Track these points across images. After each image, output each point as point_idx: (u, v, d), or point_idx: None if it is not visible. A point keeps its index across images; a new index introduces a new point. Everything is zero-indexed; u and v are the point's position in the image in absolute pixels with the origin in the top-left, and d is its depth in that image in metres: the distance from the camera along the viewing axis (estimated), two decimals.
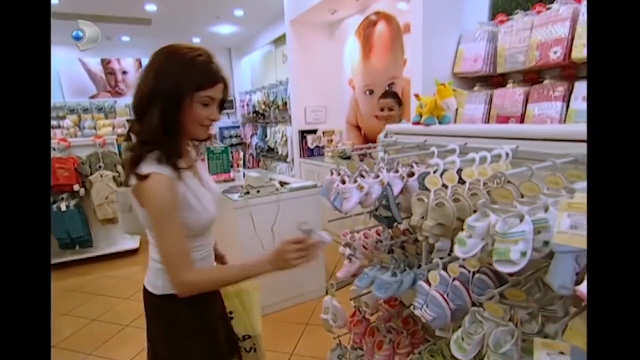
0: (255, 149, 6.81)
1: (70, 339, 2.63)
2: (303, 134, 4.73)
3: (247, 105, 7.06)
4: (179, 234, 0.97)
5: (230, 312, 1.31)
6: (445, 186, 0.91)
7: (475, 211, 0.80)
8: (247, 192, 2.77)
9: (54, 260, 3.62)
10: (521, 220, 0.69)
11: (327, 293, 1.40)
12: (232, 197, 2.70)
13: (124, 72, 7.18)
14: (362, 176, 1.18)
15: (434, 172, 0.92)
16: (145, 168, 0.95)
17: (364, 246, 1.44)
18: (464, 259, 0.87)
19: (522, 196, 0.81)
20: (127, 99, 7.14)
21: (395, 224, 1.10)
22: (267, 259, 1.03)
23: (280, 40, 5.75)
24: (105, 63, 7.02)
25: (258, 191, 2.82)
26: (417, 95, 1.40)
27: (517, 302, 0.85)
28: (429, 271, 0.99)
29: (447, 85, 1.26)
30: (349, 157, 2.04)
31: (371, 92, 4.14)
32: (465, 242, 0.75)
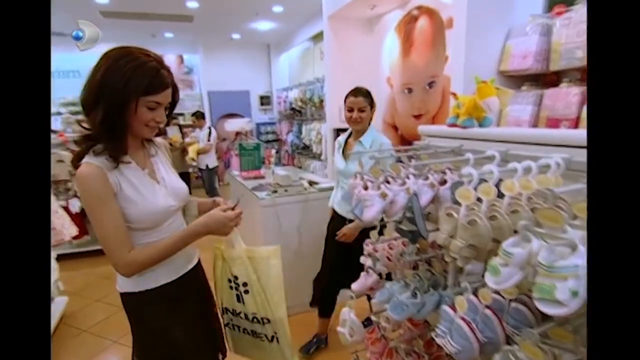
0: (291, 146, 6.79)
1: (100, 325, 2.71)
2: (338, 132, 4.62)
3: (284, 102, 7.05)
4: (110, 219, 1.00)
5: (245, 284, 1.21)
6: (479, 200, 0.78)
7: (515, 232, 0.67)
8: (275, 191, 2.72)
9: (91, 248, 3.79)
10: (573, 250, 0.56)
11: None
12: (259, 195, 2.66)
13: None
14: (388, 182, 1.07)
15: (469, 182, 0.79)
16: (83, 160, 0.99)
17: (387, 257, 1.32)
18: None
19: (575, 218, 0.66)
20: None
21: (421, 238, 0.97)
22: (201, 222, 1.10)
23: (318, 37, 5.67)
24: None
25: (286, 190, 2.76)
26: (454, 94, 1.26)
27: (563, 344, 0.71)
28: (455, 295, 0.87)
29: (488, 83, 1.11)
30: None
31: (410, 90, 3.95)
32: (499, 270, 0.62)
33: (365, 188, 1.06)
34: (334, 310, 2.27)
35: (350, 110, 2.07)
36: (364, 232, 2.00)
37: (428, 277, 1.07)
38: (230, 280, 1.25)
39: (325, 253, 2.32)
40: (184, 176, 5.41)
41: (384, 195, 0.99)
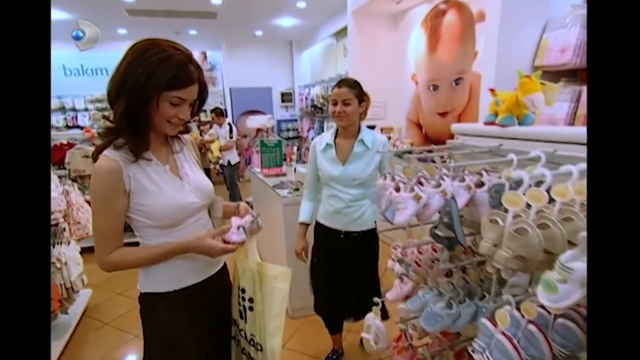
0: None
1: (121, 319, 2.74)
2: None
3: (306, 99, 7.01)
4: (106, 218, 0.99)
5: (251, 300, 1.14)
6: (528, 206, 0.70)
7: (571, 243, 0.60)
8: (297, 189, 2.68)
9: None
10: None
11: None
12: (280, 193, 2.62)
13: None
14: (420, 184, 1.00)
15: (516, 186, 0.72)
16: (103, 152, 0.98)
17: (417, 262, 1.25)
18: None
19: None
20: None
21: (458, 245, 0.90)
22: (190, 245, 1.04)
23: (341, 33, 5.60)
24: None
25: None
26: (492, 90, 1.18)
27: None
28: (495, 309, 0.79)
29: (533, 77, 1.02)
30: (408, 153, 1.54)
31: (435, 87, 3.83)
32: (555, 287, 0.55)
33: (397, 189, 1.00)
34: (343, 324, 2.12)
35: (334, 103, 1.74)
36: (354, 248, 1.82)
37: (462, 286, 1.00)
38: (239, 289, 1.19)
39: (315, 278, 2.00)
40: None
41: (417, 198, 0.93)
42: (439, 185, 0.98)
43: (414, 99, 4.23)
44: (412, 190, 0.96)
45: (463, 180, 0.99)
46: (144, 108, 0.95)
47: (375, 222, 1.84)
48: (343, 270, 1.88)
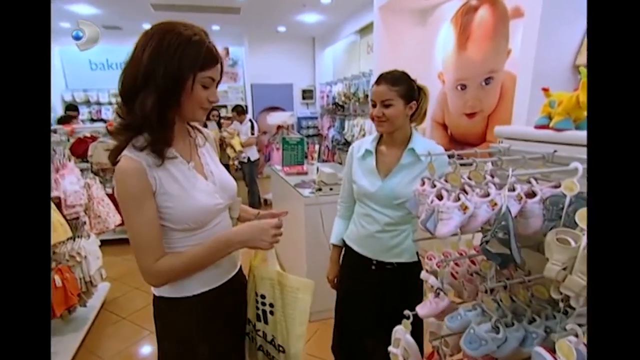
0: (332, 141, 6.67)
1: (138, 313, 2.73)
2: None
3: (327, 96, 6.93)
4: (142, 222, 0.90)
5: (272, 305, 1.12)
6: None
7: None
8: (319, 189, 2.61)
9: None
10: None
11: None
12: (302, 193, 2.56)
13: None
14: (465, 192, 0.90)
15: (569, 203, 0.62)
16: (124, 153, 0.90)
17: (452, 275, 1.16)
18: None
19: None
20: None
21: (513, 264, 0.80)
22: (238, 237, 0.99)
23: (365, 30, 5.48)
24: None
25: (331, 189, 2.64)
26: (546, 90, 1.06)
27: None
28: (549, 335, 0.69)
29: None
30: (449, 157, 1.32)
31: (463, 87, 3.69)
32: None
33: (440, 197, 0.91)
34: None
35: (373, 104, 1.41)
36: (390, 285, 1.47)
37: (509, 306, 0.90)
38: (257, 295, 1.16)
39: (340, 314, 1.65)
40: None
41: (464, 208, 0.83)
42: (487, 194, 0.88)
43: (440, 98, 4.09)
44: (458, 199, 0.87)
45: (513, 189, 0.89)
46: (179, 93, 0.89)
47: (418, 253, 1.48)
48: (375, 311, 1.49)
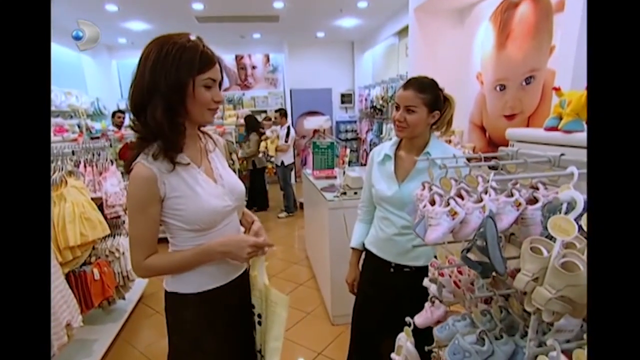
0: (370, 145, 6.62)
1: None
2: None
3: (365, 100, 6.89)
4: (142, 226, 1.00)
5: (260, 315, 1.19)
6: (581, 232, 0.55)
7: None
8: (344, 193, 2.60)
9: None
10: None
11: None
12: (327, 197, 2.56)
13: (253, 67, 7.76)
14: (461, 197, 0.87)
15: (566, 210, 0.57)
16: (140, 160, 0.98)
17: (455, 283, 1.11)
18: None
19: None
20: (254, 92, 7.76)
21: (494, 274, 0.76)
22: (219, 247, 1.04)
23: (404, 32, 5.40)
24: (238, 59, 7.68)
25: (355, 193, 2.62)
26: (557, 89, 1.00)
27: None
28: (536, 356, 0.64)
29: None
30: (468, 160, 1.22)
31: (503, 87, 3.50)
32: None
33: (432, 203, 0.88)
34: None
35: (397, 107, 1.40)
36: (406, 290, 1.40)
37: (502, 318, 0.84)
38: (250, 304, 1.24)
39: (358, 321, 1.64)
40: (261, 171, 5.60)
41: (453, 214, 0.80)
42: (481, 200, 0.84)
43: (479, 100, 3.91)
44: (448, 204, 0.84)
45: (511, 195, 0.84)
46: (184, 99, 0.96)
47: (436, 257, 1.44)
48: (392, 317, 1.38)
